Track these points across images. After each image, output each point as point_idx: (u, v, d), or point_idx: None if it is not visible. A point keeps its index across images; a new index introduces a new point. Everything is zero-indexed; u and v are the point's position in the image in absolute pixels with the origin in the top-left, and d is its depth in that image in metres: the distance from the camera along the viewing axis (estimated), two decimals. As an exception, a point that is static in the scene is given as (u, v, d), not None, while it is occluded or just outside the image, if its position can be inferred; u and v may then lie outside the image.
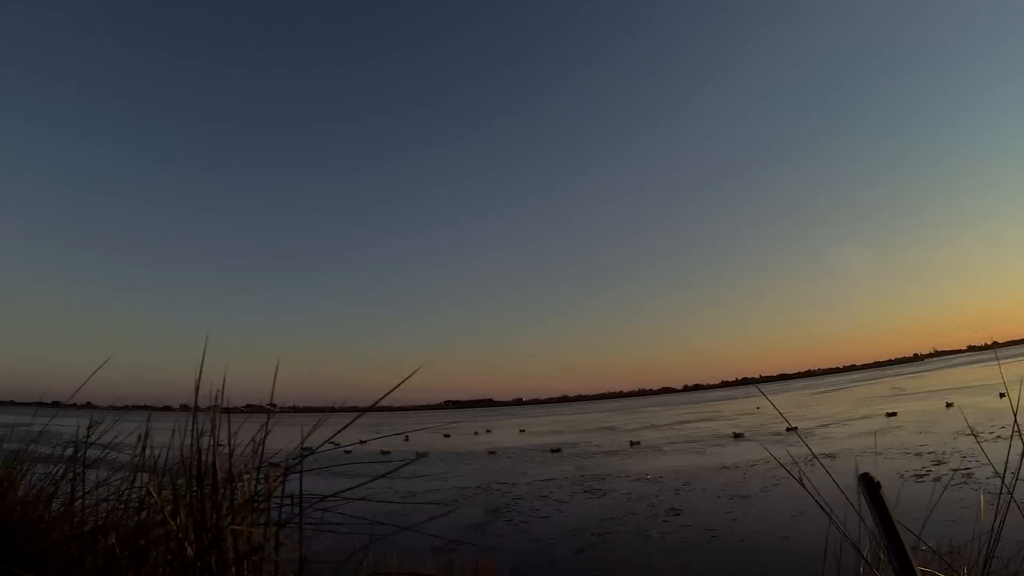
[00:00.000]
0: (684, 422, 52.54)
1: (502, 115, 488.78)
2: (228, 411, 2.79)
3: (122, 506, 3.43)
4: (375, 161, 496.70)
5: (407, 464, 2.93)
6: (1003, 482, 2.45)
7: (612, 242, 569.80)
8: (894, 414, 29.20)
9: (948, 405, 32.25)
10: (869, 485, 1.38)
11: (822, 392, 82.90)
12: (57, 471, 4.54)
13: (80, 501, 4.25)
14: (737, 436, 32.03)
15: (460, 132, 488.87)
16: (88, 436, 4.83)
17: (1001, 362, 3.17)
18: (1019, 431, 2.54)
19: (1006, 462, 2.53)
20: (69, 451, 3.54)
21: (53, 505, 4.26)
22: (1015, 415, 2.60)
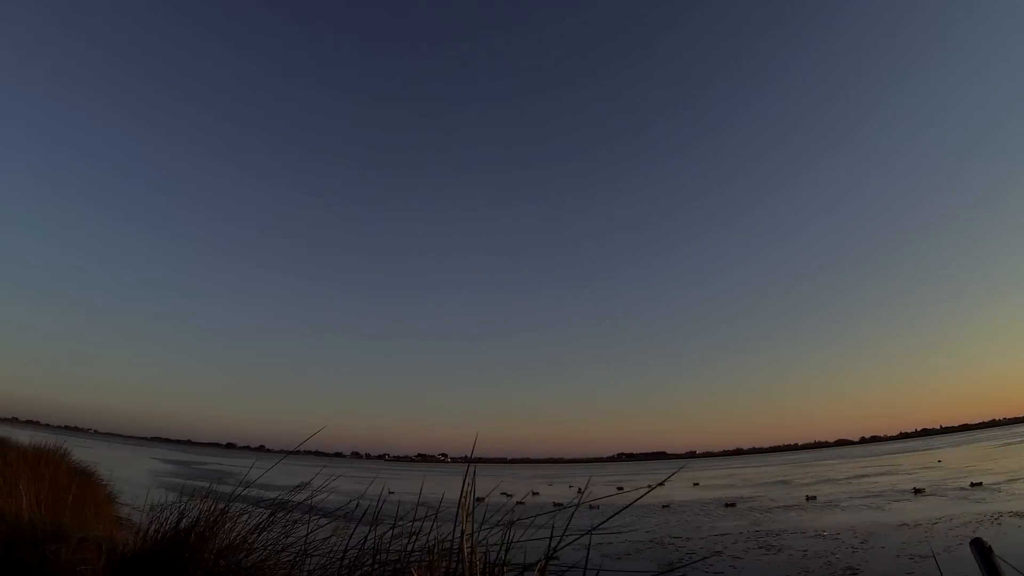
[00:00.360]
0: (861, 476, 50.89)
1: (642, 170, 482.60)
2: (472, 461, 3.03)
3: (337, 561, 3.68)
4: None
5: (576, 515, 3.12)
6: None
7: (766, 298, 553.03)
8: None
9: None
10: (981, 549, 1.42)
11: (1010, 444, 78.05)
12: (257, 518, 4.94)
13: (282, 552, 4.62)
14: (918, 491, 30.64)
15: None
16: (295, 488, 5.22)
17: None
18: None
19: None
20: (260, 494, 3.86)
21: (255, 555, 4.64)
22: None
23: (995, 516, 18.34)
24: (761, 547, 18.19)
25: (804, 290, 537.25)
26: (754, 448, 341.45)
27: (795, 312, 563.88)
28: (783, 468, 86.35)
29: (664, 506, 35.18)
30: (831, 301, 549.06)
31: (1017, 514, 17.75)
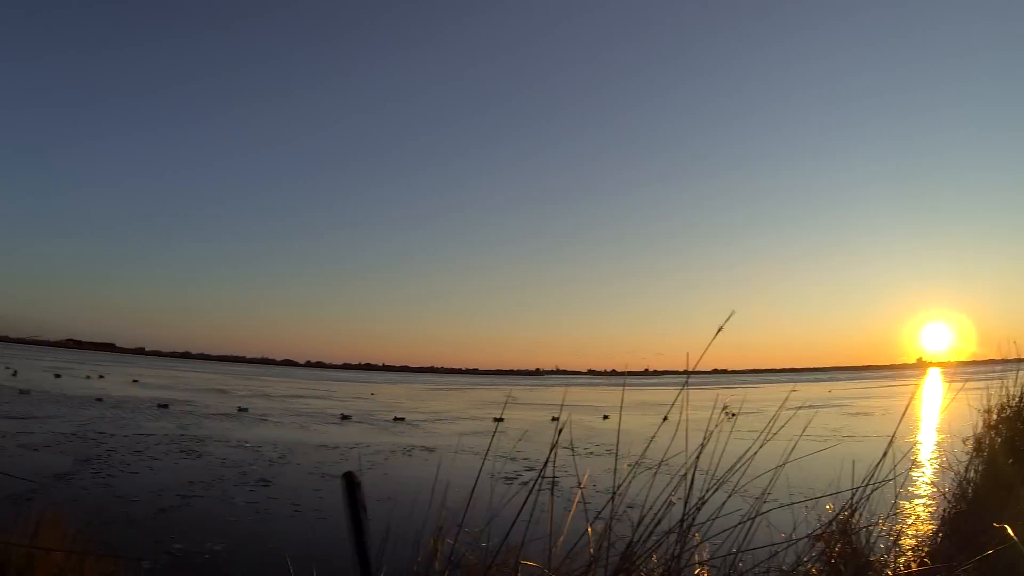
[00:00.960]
0: (298, 396, 52.78)
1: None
2: None
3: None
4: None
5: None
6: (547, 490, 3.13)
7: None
8: (501, 419, 31.18)
9: (553, 419, 33.93)
10: (350, 483, 1.56)
11: (442, 389, 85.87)
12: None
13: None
14: (345, 418, 32.53)
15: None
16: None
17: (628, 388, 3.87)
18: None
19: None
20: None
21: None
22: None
23: (407, 448, 20.20)
24: (183, 451, 18.33)
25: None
26: (203, 354, 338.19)
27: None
28: (226, 378, 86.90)
29: (97, 399, 34.07)
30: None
31: (426, 448, 19.76)
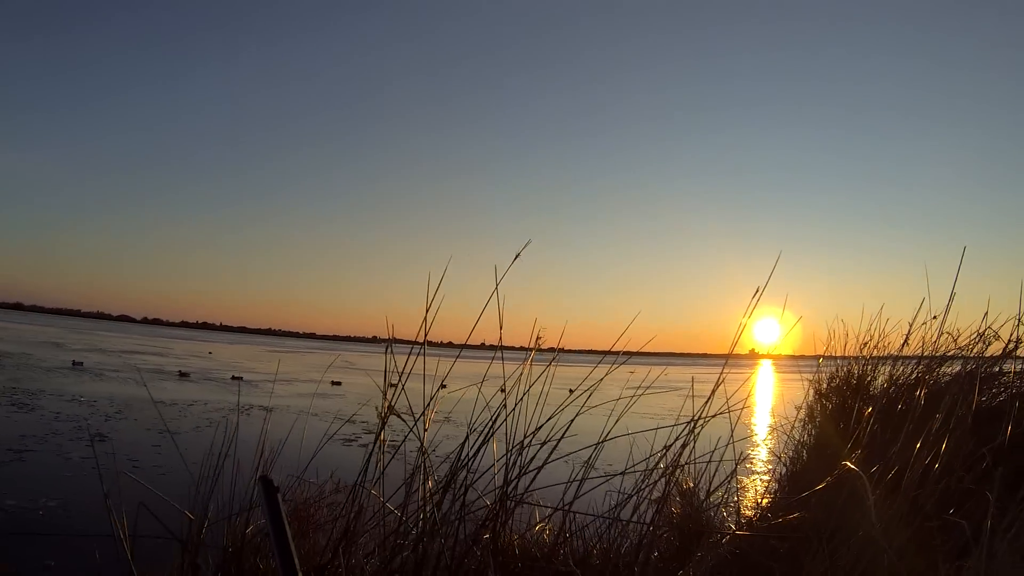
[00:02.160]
0: (134, 352, 51.38)
1: None
2: None
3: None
4: None
5: None
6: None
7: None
8: (339, 383, 31.05)
9: (392, 385, 33.75)
10: (268, 488, 1.52)
11: (280, 351, 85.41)
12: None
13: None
14: (183, 375, 32.06)
15: None
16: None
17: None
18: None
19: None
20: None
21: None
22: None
23: (245, 407, 19.97)
24: (14, 404, 17.66)
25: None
26: (36, 306, 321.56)
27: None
28: (60, 331, 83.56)
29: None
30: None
31: (264, 408, 19.56)
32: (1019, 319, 5.36)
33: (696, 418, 4.21)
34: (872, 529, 3.32)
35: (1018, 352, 5.53)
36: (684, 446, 4.23)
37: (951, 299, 5.22)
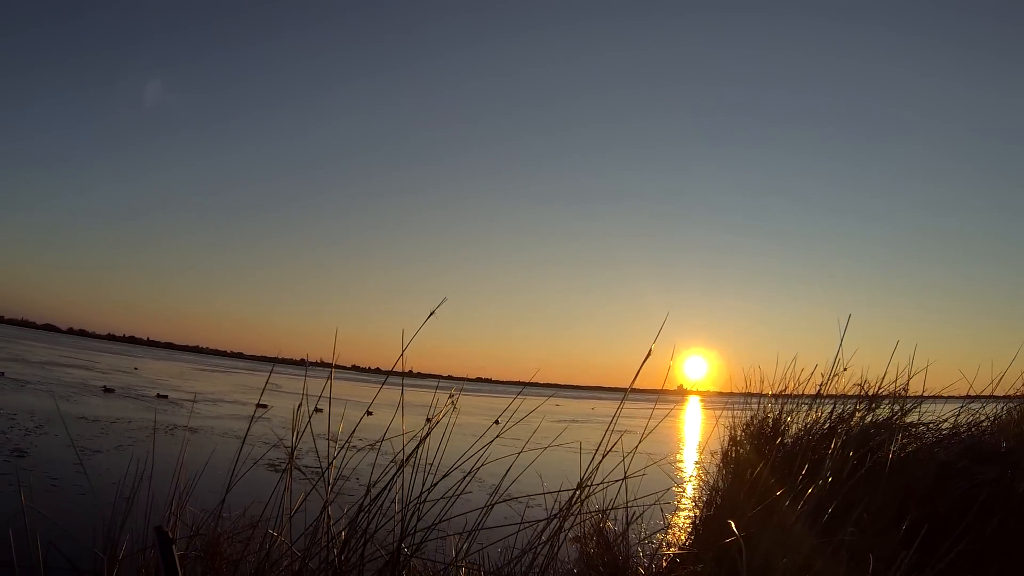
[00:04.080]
0: (58, 364, 50.16)
1: None
2: None
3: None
4: None
5: None
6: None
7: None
8: (265, 406, 30.69)
9: (317, 410, 33.70)
10: (163, 540, 1.58)
11: (207, 369, 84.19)
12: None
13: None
14: (108, 390, 31.31)
15: None
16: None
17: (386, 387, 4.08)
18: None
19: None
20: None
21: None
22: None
23: (168, 427, 19.70)
24: (-79, 419, 17.01)
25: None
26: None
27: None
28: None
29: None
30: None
31: (187, 428, 19.29)
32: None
33: (583, 481, 4.36)
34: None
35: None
36: (575, 502, 4.38)
37: (838, 356, 5.59)
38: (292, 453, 3.93)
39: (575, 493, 4.38)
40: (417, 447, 4.14)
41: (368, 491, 3.95)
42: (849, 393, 6.74)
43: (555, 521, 4.32)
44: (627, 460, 4.48)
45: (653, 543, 5.44)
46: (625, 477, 4.62)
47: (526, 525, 4.41)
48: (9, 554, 3.56)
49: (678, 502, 10.54)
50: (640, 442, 4.62)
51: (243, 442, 4.75)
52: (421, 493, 4.06)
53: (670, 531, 7.38)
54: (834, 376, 6.34)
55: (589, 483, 4.35)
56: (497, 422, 4.48)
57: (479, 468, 4.24)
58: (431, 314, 3.99)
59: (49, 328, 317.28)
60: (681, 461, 18.16)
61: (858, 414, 6.45)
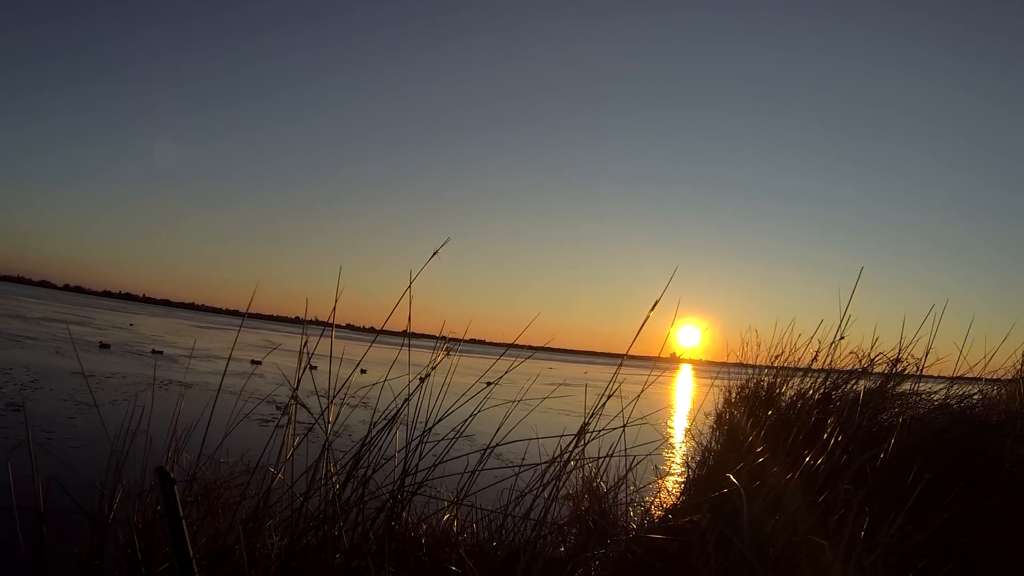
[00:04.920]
0: (55, 320, 50.11)
1: None
2: None
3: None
4: None
5: None
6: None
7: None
8: (259, 363, 30.71)
9: (313, 367, 33.70)
10: (164, 480, 1.57)
11: (203, 327, 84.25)
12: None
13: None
14: (104, 346, 31.46)
15: None
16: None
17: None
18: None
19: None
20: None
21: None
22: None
23: (163, 382, 19.72)
24: (-80, 370, 16.96)
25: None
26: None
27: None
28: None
29: None
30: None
31: (182, 383, 19.32)
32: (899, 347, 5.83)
33: (584, 428, 4.38)
34: (744, 543, 3.52)
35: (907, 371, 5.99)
36: (576, 447, 4.41)
37: (844, 320, 5.58)
38: (296, 388, 3.92)
39: (575, 438, 4.39)
40: (418, 387, 4.15)
41: (370, 432, 3.95)
42: (845, 362, 6.77)
43: (556, 465, 4.35)
44: (626, 410, 4.51)
45: (647, 496, 5.50)
46: (624, 425, 4.63)
47: (527, 468, 4.44)
48: (8, 498, 3.57)
49: (672, 462, 10.62)
50: (639, 396, 4.63)
51: (237, 397, 4.79)
52: (423, 433, 4.07)
53: (664, 487, 7.45)
54: (835, 344, 6.32)
55: (590, 430, 4.38)
56: (489, 384, 4.49)
57: (476, 415, 4.25)
58: (434, 254, 3.99)
59: (45, 284, 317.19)
60: (673, 424, 18.24)
61: (852, 382, 6.49)
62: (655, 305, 4.25)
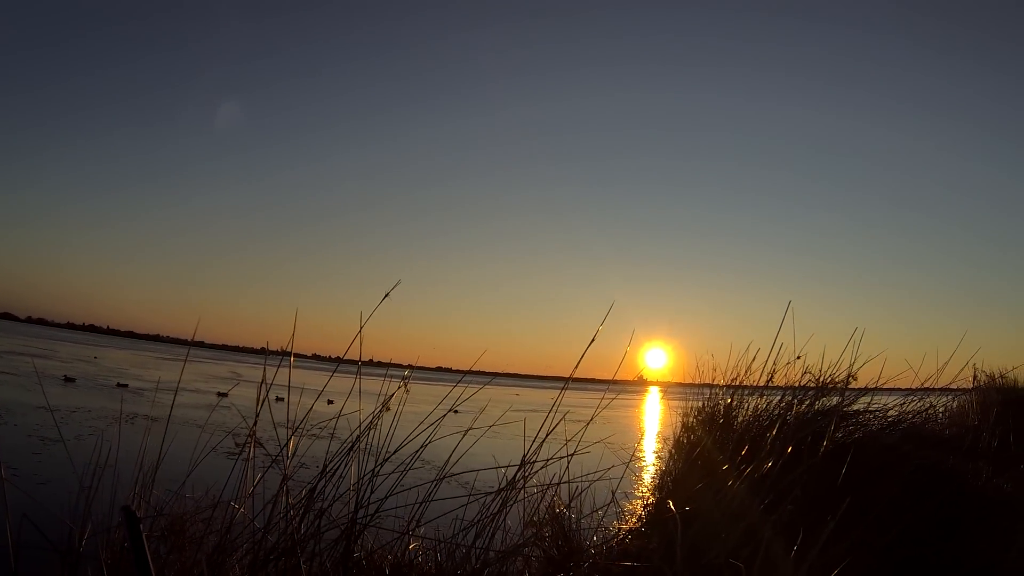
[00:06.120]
0: (18, 353, 49.65)
1: None
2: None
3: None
4: None
5: None
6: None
7: None
8: (225, 395, 30.48)
9: (279, 399, 33.62)
10: (130, 518, 1.63)
11: (167, 359, 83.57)
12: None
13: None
14: (68, 380, 31.19)
15: None
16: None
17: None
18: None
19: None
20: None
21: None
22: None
23: (129, 416, 19.63)
24: None
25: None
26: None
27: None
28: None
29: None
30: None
31: (147, 416, 19.18)
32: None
33: (530, 454, 4.54)
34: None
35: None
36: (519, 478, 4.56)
37: (774, 346, 5.86)
38: (254, 426, 4.04)
39: (518, 470, 4.53)
40: (373, 421, 4.30)
41: (325, 467, 4.08)
42: (801, 381, 6.93)
43: (501, 494, 4.49)
44: (579, 434, 4.67)
45: (605, 525, 5.63)
46: (570, 455, 4.79)
47: (475, 498, 4.58)
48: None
49: (633, 489, 10.75)
50: (587, 425, 4.79)
51: (202, 430, 4.88)
52: (375, 467, 4.21)
53: (623, 513, 7.57)
54: (787, 364, 6.53)
55: (532, 460, 4.52)
56: (456, 411, 4.63)
57: (428, 444, 4.39)
58: (386, 296, 4.13)
59: (7, 316, 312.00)
60: (633, 448, 18.44)
61: (806, 402, 6.64)
62: (593, 339, 4.45)
